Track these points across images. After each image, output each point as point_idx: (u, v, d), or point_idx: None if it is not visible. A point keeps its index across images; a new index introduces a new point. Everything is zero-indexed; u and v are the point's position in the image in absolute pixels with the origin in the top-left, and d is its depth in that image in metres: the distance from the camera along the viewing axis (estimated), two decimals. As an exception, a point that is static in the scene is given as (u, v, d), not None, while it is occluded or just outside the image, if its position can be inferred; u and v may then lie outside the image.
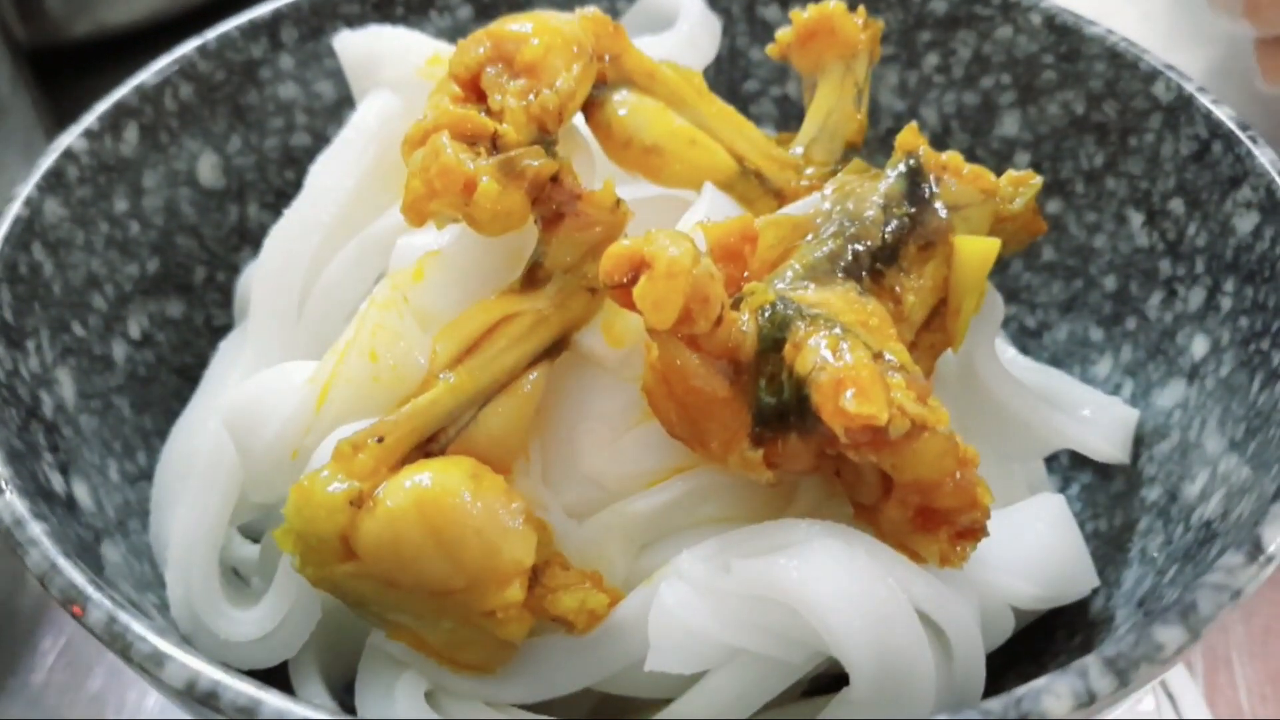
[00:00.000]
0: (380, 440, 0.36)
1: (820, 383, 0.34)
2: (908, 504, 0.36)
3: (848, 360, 0.34)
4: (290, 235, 0.47)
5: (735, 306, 0.37)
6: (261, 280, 0.47)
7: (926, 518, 0.36)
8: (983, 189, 0.43)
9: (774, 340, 0.36)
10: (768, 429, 0.36)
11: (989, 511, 0.36)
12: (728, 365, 0.36)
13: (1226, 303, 0.45)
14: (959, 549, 0.36)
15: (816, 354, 0.34)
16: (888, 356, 0.35)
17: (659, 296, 0.34)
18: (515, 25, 0.42)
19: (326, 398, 0.39)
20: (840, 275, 0.39)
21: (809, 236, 0.41)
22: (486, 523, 0.35)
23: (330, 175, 0.48)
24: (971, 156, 0.51)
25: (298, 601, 0.39)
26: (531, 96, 0.40)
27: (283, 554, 0.38)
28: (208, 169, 0.54)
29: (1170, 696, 0.57)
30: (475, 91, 0.41)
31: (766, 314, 0.36)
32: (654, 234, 0.35)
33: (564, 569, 0.37)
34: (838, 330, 0.35)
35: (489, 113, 0.40)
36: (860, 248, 0.40)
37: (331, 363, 0.39)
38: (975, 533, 0.36)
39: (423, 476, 0.35)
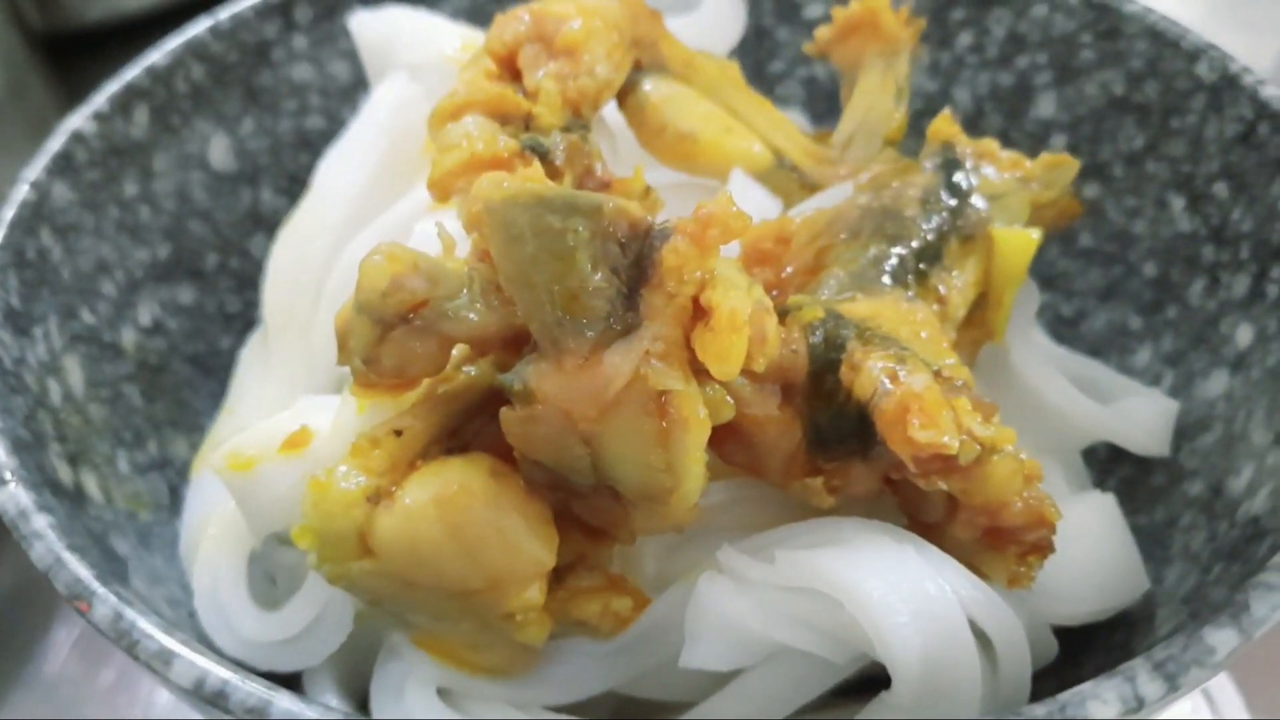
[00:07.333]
0: (398, 434, 0.34)
1: (884, 409, 0.32)
2: (975, 525, 0.34)
3: (911, 384, 0.33)
4: (300, 238, 0.46)
5: (780, 320, 0.35)
6: (273, 287, 0.46)
7: (994, 536, 0.35)
8: (1020, 176, 0.42)
9: (828, 360, 0.34)
10: (825, 453, 0.35)
11: (1056, 528, 0.35)
12: (778, 388, 0.34)
13: (1274, 290, 0.44)
14: (1026, 568, 0.35)
15: (877, 378, 0.33)
16: (948, 375, 0.34)
17: (722, 350, 0.31)
18: (558, 5, 0.40)
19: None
20: (886, 280, 0.37)
21: (844, 235, 0.39)
22: (507, 523, 0.33)
23: (340, 174, 0.46)
24: (1006, 139, 0.49)
25: (328, 608, 0.38)
26: (569, 80, 0.38)
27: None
28: (220, 152, 0.53)
29: (1208, 697, 0.56)
30: (510, 69, 0.40)
31: (818, 333, 0.35)
32: (712, 278, 0.31)
33: (589, 570, 0.36)
34: (896, 350, 0.34)
35: (524, 92, 0.39)
36: (904, 249, 0.38)
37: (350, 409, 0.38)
38: (1043, 548, 0.35)
39: (442, 474, 0.33)
